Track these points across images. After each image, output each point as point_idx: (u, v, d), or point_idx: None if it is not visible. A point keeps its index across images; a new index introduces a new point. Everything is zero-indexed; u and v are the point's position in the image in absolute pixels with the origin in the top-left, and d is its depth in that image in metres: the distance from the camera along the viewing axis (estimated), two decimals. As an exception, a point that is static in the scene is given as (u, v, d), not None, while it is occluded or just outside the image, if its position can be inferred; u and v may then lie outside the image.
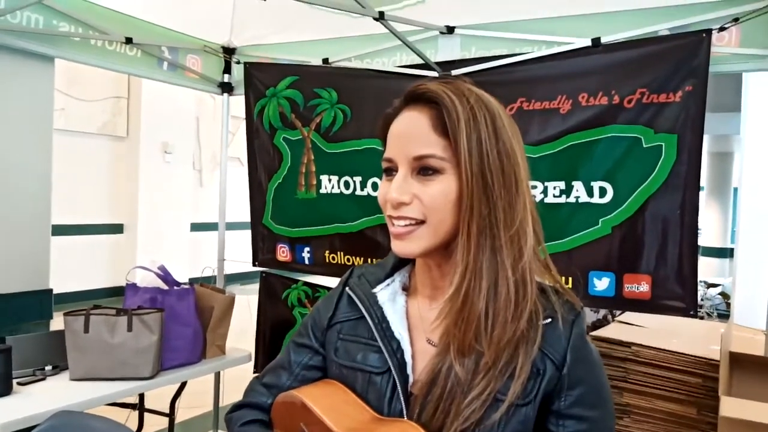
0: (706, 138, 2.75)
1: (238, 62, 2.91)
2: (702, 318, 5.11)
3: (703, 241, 9.97)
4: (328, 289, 1.60)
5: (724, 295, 6.12)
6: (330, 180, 2.61)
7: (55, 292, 2.54)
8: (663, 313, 2.01)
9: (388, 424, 0.78)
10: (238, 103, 2.97)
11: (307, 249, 2.72)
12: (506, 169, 0.78)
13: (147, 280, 2.20)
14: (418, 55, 2.25)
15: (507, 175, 0.78)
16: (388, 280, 0.90)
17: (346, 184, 2.56)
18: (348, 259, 2.61)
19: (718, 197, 10.71)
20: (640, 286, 2.00)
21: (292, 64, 2.73)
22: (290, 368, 0.94)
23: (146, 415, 2.64)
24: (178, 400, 2.60)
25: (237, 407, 0.96)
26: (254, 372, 2.80)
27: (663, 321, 2.22)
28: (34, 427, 1.21)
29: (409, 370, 0.82)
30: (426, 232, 0.79)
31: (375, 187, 2.48)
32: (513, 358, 0.77)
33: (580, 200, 2.08)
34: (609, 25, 2.07)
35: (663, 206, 1.95)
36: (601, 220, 2.05)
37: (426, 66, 2.33)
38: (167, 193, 7.69)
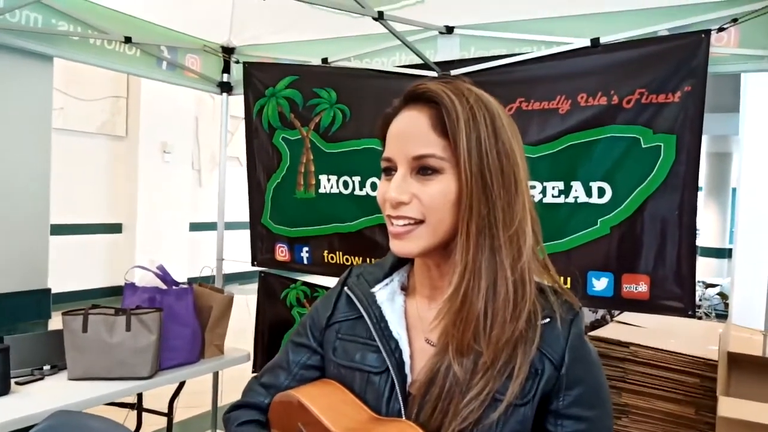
0: (704, 138, 2.75)
1: (238, 62, 2.91)
2: (700, 318, 5.11)
3: (701, 241, 9.99)
4: (327, 289, 1.60)
5: (723, 296, 6.12)
6: (329, 180, 2.61)
7: (53, 291, 2.54)
8: (661, 313, 2.01)
9: (386, 424, 0.78)
10: (237, 102, 2.97)
11: (305, 249, 2.72)
12: (505, 169, 0.78)
13: (146, 279, 2.20)
14: (418, 55, 2.25)
15: (506, 175, 0.78)
16: (386, 280, 0.90)
17: (345, 184, 2.56)
18: (347, 259, 2.60)
19: (716, 198, 10.71)
20: (638, 286, 2.01)
21: (291, 63, 2.73)
22: (288, 368, 0.93)
23: (145, 414, 2.64)
24: (176, 400, 2.59)
25: (235, 407, 0.96)
26: (253, 372, 2.80)
27: (661, 321, 2.22)
28: (32, 426, 1.21)
29: (407, 370, 0.82)
30: (425, 232, 0.79)
31: (374, 187, 2.47)
32: (511, 358, 0.77)
33: (578, 200, 2.08)
34: (608, 26, 2.07)
35: (661, 206, 1.95)
36: (599, 220, 2.05)
37: (425, 66, 2.33)
38: (166, 193, 7.68)
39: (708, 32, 1.87)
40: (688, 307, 1.95)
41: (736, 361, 1.94)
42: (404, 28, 2.26)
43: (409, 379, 0.82)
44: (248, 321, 3.13)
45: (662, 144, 1.94)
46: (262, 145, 2.80)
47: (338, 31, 2.60)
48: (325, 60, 2.64)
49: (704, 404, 1.94)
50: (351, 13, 2.13)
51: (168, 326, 2.10)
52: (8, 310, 2.35)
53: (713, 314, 5.89)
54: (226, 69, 2.97)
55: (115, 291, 7.00)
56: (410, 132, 0.80)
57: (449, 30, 2.37)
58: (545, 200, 2.12)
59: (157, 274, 2.20)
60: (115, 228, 7.39)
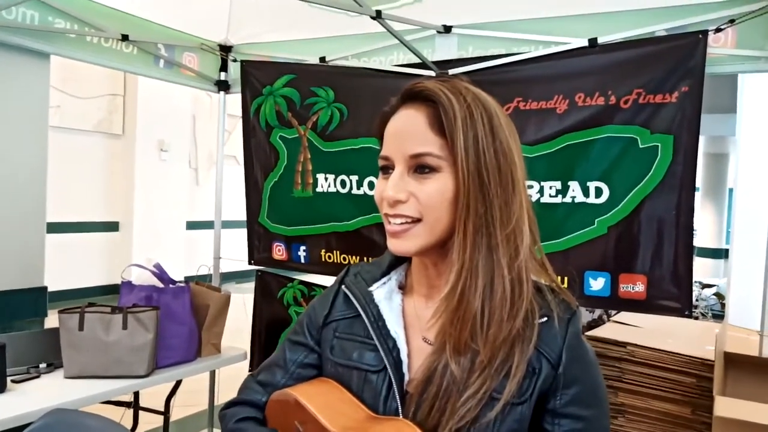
0: (701, 139, 2.76)
1: (235, 60, 2.90)
2: (697, 318, 5.12)
3: (698, 241, 9.98)
4: (324, 288, 1.60)
5: (719, 296, 6.12)
6: (326, 179, 2.60)
7: (49, 289, 2.53)
8: (658, 313, 2.01)
9: (384, 423, 0.78)
10: (234, 101, 2.96)
11: (303, 248, 2.71)
12: (503, 167, 0.78)
13: (142, 278, 2.19)
14: (416, 54, 2.25)
15: (503, 174, 0.78)
16: (384, 279, 0.90)
17: (343, 183, 2.56)
18: (344, 258, 2.60)
19: (713, 198, 10.74)
20: (635, 286, 2.01)
21: (288, 62, 2.72)
22: (285, 366, 0.93)
23: (141, 413, 2.64)
24: (173, 399, 2.59)
25: (231, 404, 0.95)
26: (249, 371, 2.79)
27: (658, 321, 2.23)
28: (28, 425, 1.20)
29: (404, 369, 0.82)
30: (422, 231, 0.79)
31: (371, 186, 2.47)
32: (509, 356, 0.77)
33: (576, 200, 2.08)
34: (606, 26, 2.07)
35: (659, 207, 1.96)
36: (596, 220, 2.05)
37: (423, 65, 2.32)
38: (163, 192, 7.67)
39: (705, 33, 1.88)
40: (684, 307, 1.95)
41: (733, 361, 1.94)
42: (402, 27, 2.26)
43: (406, 378, 0.82)
44: (245, 320, 3.12)
45: (659, 144, 1.94)
46: (259, 144, 2.79)
47: (336, 29, 2.60)
48: (322, 59, 2.64)
49: (701, 404, 1.94)
50: (349, 12, 2.14)
51: (165, 325, 2.10)
52: (4, 307, 2.34)
53: (710, 314, 5.90)
54: (224, 67, 2.96)
55: (111, 289, 6.99)
56: (407, 130, 0.80)
57: (447, 29, 2.37)
58: (542, 200, 2.12)
59: (154, 273, 2.20)
60: (112, 226, 7.37)
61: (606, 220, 2.04)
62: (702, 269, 9.38)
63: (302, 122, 2.65)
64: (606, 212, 2.03)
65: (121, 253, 7.28)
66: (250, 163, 2.84)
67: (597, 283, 2.07)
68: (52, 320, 2.18)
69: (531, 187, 2.12)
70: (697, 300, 5.94)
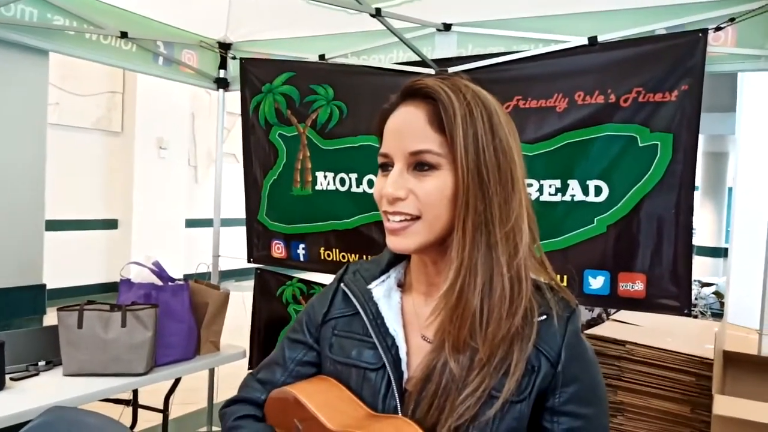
0: (701, 138, 2.76)
1: (234, 58, 2.90)
2: (696, 317, 5.13)
3: (697, 240, 9.99)
4: (323, 285, 1.60)
5: (718, 295, 6.13)
6: (325, 177, 2.60)
7: (48, 287, 2.53)
8: (657, 312, 2.01)
9: (383, 421, 0.78)
10: (233, 99, 2.96)
11: (302, 246, 2.71)
12: (502, 165, 0.78)
13: (141, 275, 2.19)
14: (415, 52, 2.25)
15: (503, 172, 0.78)
16: (383, 277, 0.90)
17: (342, 181, 2.56)
18: (343, 256, 2.60)
19: (712, 197, 10.74)
20: (634, 285, 2.01)
21: (288, 60, 2.72)
22: (284, 364, 0.93)
23: (140, 411, 2.64)
24: (172, 397, 2.59)
25: (231, 402, 0.95)
26: (249, 369, 2.79)
27: (657, 320, 2.23)
28: (27, 422, 1.20)
29: (403, 367, 0.82)
30: (421, 228, 0.79)
31: (370, 184, 2.47)
32: (508, 354, 0.77)
33: (575, 198, 2.08)
34: (606, 24, 2.07)
35: (658, 205, 1.96)
36: (596, 218, 2.05)
37: (423, 63, 2.32)
38: (162, 189, 7.66)
39: (705, 31, 1.88)
40: (683, 306, 1.95)
41: (732, 360, 1.94)
42: (402, 25, 2.26)
43: (405, 376, 0.82)
44: (244, 318, 3.13)
45: (659, 143, 1.94)
46: (258, 142, 2.79)
47: (336, 27, 2.60)
48: (322, 56, 2.64)
49: (700, 402, 1.94)
50: (348, 10, 2.14)
51: (164, 323, 2.10)
52: (3, 305, 2.34)
53: (709, 313, 5.91)
54: (223, 65, 2.96)
55: (110, 287, 6.99)
56: (407, 128, 0.79)
57: (447, 27, 2.36)
58: (542, 198, 2.12)
59: (152, 271, 2.19)
60: (111, 224, 7.37)
61: (605, 219, 2.04)
62: (701, 268, 9.38)
63: (301, 120, 2.65)
64: (605, 211, 2.03)
65: (120, 250, 7.27)
66: (249, 161, 2.83)
67: (596, 282, 2.07)
68: (51, 318, 2.18)
69: (530, 185, 2.12)
70: (696, 299, 5.94)
